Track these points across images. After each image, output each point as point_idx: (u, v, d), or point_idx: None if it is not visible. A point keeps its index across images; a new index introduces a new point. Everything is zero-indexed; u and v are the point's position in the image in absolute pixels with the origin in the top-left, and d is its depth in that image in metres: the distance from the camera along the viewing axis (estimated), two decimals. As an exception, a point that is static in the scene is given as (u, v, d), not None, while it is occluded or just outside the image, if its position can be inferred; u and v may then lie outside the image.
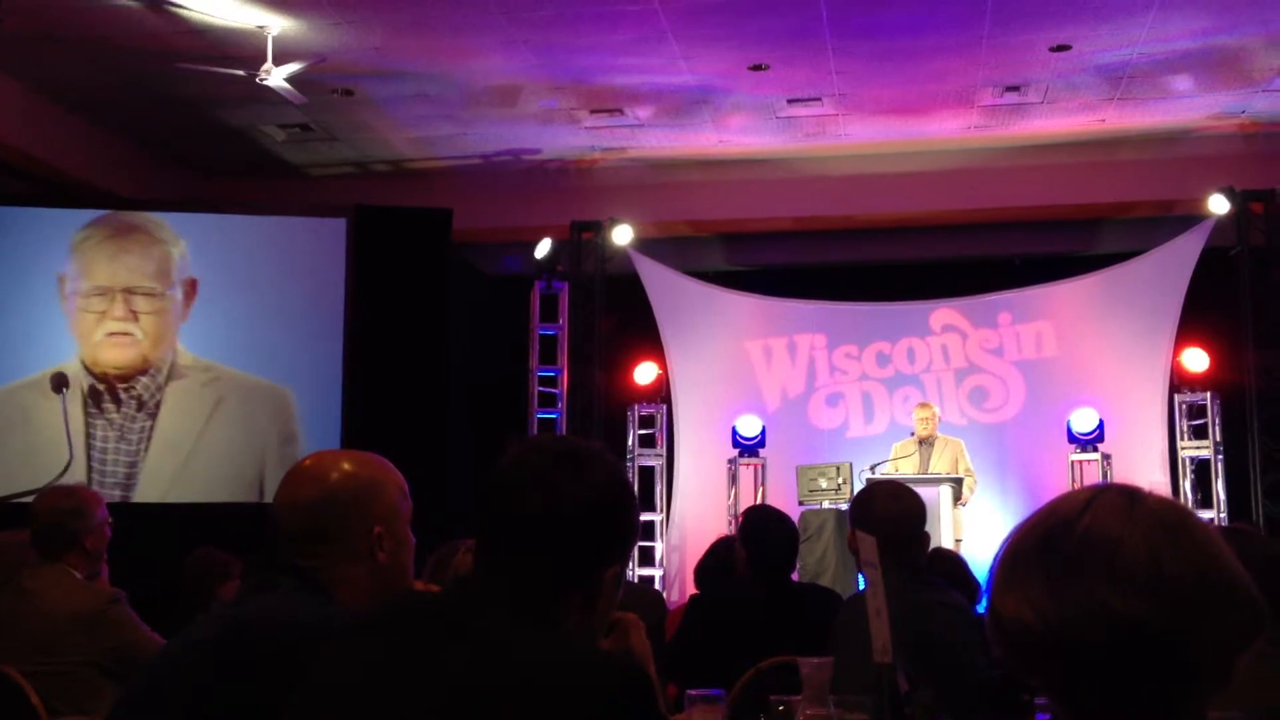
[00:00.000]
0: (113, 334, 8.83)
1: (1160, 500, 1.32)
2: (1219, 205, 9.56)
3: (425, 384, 9.33)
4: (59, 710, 3.51)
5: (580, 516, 1.69)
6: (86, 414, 8.74)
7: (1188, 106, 9.28)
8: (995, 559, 1.35)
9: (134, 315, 8.87)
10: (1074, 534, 1.28)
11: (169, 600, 4.91)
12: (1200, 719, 1.28)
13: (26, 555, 4.02)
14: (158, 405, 8.88)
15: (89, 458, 8.70)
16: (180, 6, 7.46)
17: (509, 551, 1.68)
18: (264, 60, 7.78)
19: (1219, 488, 9.67)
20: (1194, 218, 9.78)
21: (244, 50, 7.90)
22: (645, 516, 10.54)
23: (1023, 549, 1.32)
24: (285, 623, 2.04)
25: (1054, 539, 1.29)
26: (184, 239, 9.01)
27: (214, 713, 2.01)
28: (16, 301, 8.75)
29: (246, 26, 7.70)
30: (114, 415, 8.80)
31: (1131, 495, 1.31)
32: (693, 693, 2.54)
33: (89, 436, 8.73)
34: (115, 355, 8.84)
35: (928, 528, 3.65)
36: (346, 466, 2.25)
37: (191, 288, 8.99)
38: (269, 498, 2.30)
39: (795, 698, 2.54)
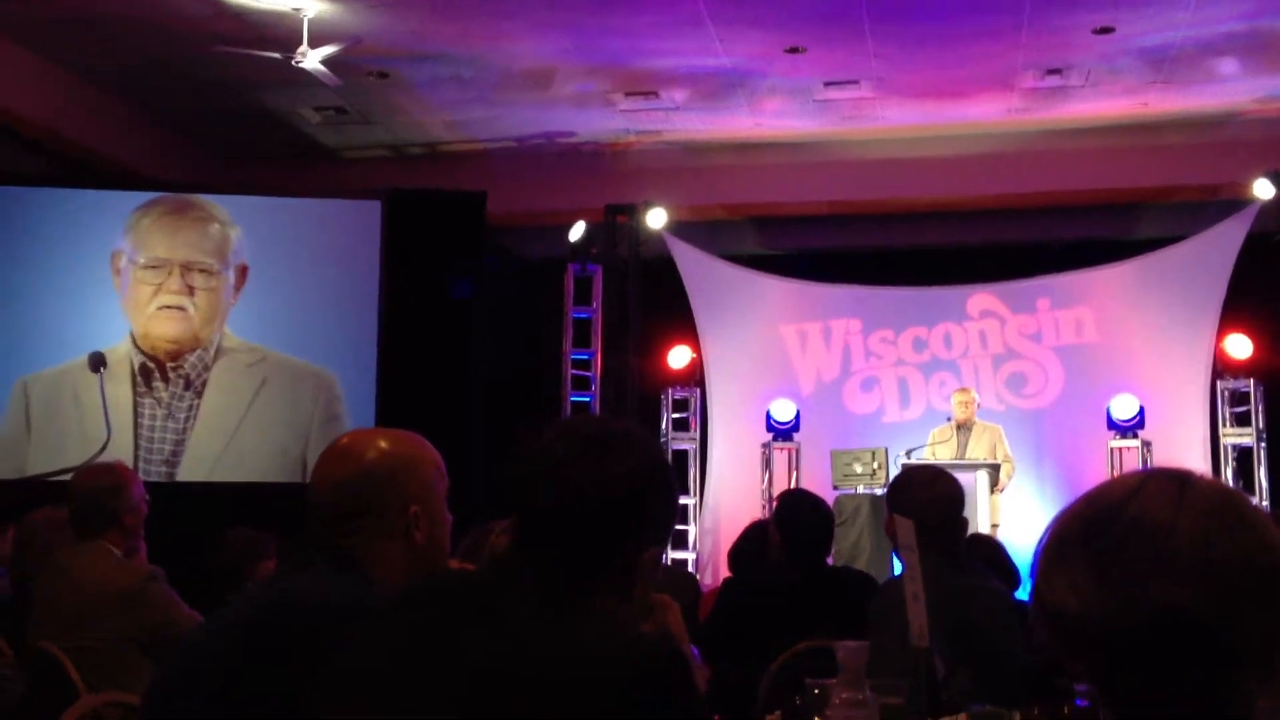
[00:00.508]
0: (166, 307, 8.91)
1: (1211, 485, 1.29)
2: (1264, 190, 9.44)
3: (459, 366, 9.34)
4: (96, 686, 3.53)
5: (611, 503, 1.66)
6: (135, 392, 8.81)
7: (1232, 90, 9.14)
8: (1040, 544, 1.32)
9: (189, 290, 8.94)
10: (1123, 520, 1.25)
11: (208, 579, 4.93)
12: (1249, 707, 1.25)
13: (64, 533, 4.05)
14: (204, 385, 8.95)
15: (136, 435, 8.78)
16: (217, -11, 7.48)
17: (541, 537, 1.66)
18: (299, 43, 7.79)
19: (1261, 475, 9.56)
20: (1238, 203, 9.65)
21: (280, 33, 7.91)
22: (679, 500, 10.50)
23: (1069, 534, 1.29)
24: (317, 603, 2.04)
25: (1102, 525, 1.26)
26: (238, 224, 9.07)
27: (247, 693, 2.01)
28: (66, 284, 8.81)
29: (283, 9, 7.71)
30: (162, 394, 8.87)
31: (1181, 480, 1.28)
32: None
33: (137, 414, 8.81)
34: (167, 328, 8.91)
35: (964, 514, 3.61)
36: (383, 444, 2.23)
37: (242, 273, 9.06)
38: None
39: (831, 681, 2.52)
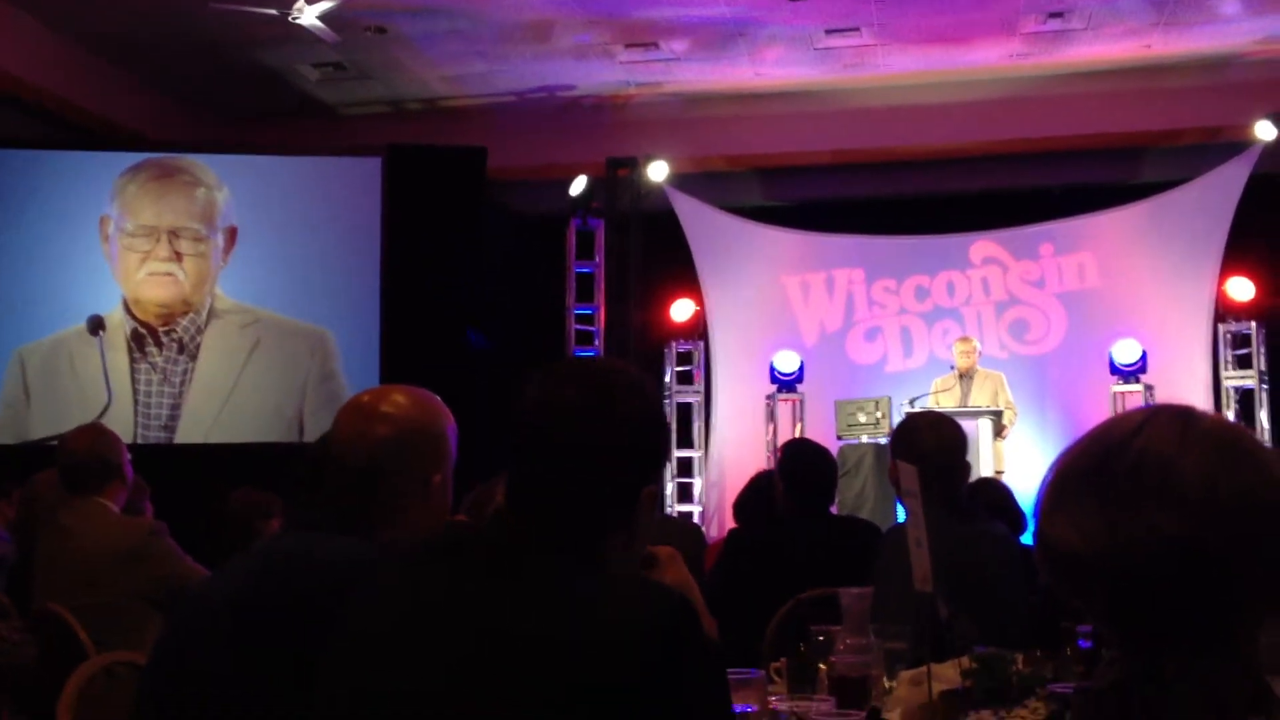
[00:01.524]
0: (155, 273, 8.89)
1: (1215, 421, 1.29)
2: (1266, 131, 9.39)
3: (461, 323, 9.34)
4: (108, 644, 3.55)
5: (616, 444, 1.67)
6: (131, 358, 8.83)
7: (1235, 31, 9.06)
8: (1043, 482, 1.32)
9: (177, 256, 8.93)
10: (1127, 456, 1.25)
11: (212, 539, 4.96)
12: (1251, 642, 1.26)
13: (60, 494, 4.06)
14: (198, 348, 8.95)
15: (135, 401, 8.81)
16: (210, -55, 7.42)
17: (549, 479, 1.67)
18: (296, -1, 7.74)
19: (1263, 417, 9.58)
20: (1240, 144, 9.60)
21: (276, -11, 7.86)
22: (684, 453, 10.56)
23: (1073, 472, 1.29)
24: (325, 561, 2.04)
25: (1106, 462, 1.26)
26: (226, 186, 9.03)
27: (256, 647, 2.02)
28: (59, 248, 8.80)
29: (277, -35, 7.66)
30: (156, 359, 8.88)
31: (1186, 416, 1.28)
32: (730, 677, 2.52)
33: (134, 380, 8.83)
34: (157, 293, 8.91)
35: (968, 459, 3.62)
36: (412, 409, 2.20)
37: (232, 236, 9.03)
38: (308, 437, 2.29)
39: (835, 628, 2.54)
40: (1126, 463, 1.25)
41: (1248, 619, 1.25)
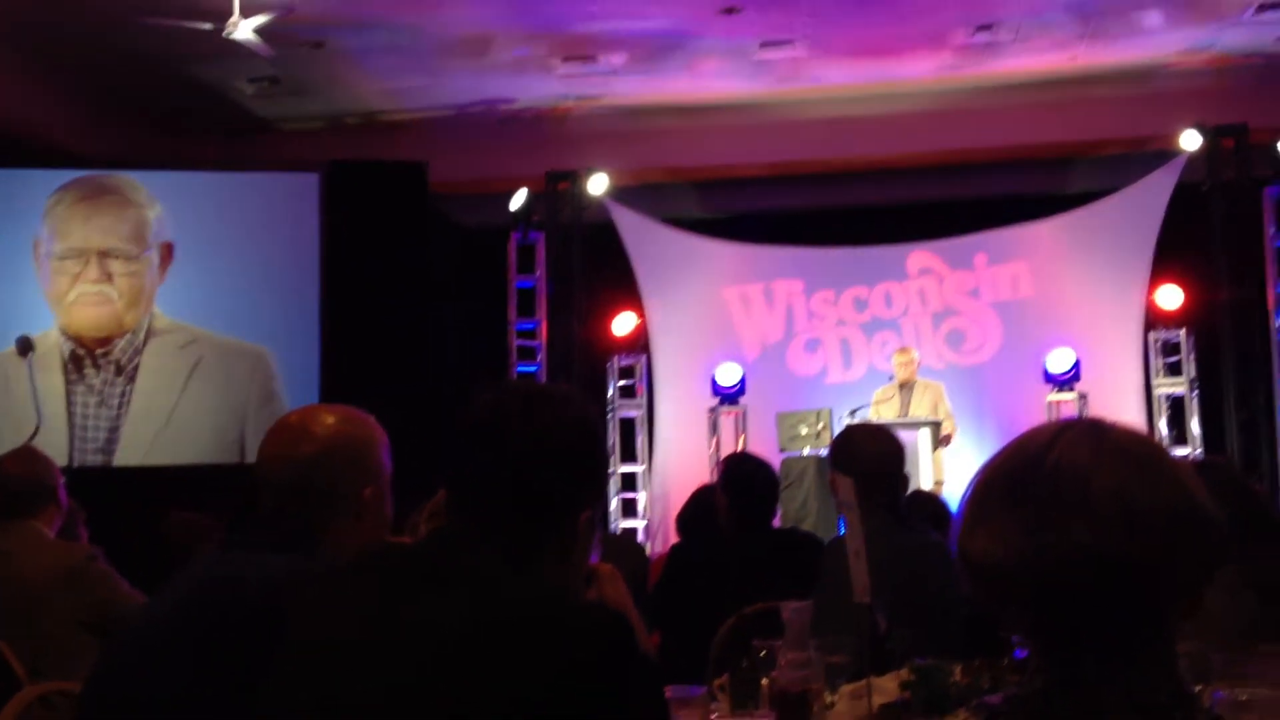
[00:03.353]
0: (86, 294, 8.77)
1: (1126, 433, 1.33)
2: (1191, 141, 9.57)
3: (403, 339, 9.30)
4: (43, 672, 3.51)
5: (551, 457, 1.69)
6: (67, 380, 8.71)
7: (1158, 42, 9.24)
8: (964, 497, 1.36)
9: (108, 277, 8.81)
10: (1042, 470, 1.29)
11: (149, 563, 4.91)
12: (1170, 647, 1.30)
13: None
14: (136, 369, 8.84)
15: (70, 424, 8.68)
16: (143, -39, 7.35)
17: (482, 497, 1.68)
18: (230, 13, 7.67)
19: (1194, 424, 9.74)
20: (1166, 154, 9.77)
21: (210, 3, 7.77)
22: (627, 468, 10.56)
23: (991, 486, 1.33)
24: (261, 581, 2.04)
25: (1022, 475, 1.30)
26: (159, 201, 8.93)
27: (193, 672, 2.02)
28: (-6, 269, 8.67)
29: (212, -20, 7.59)
30: (94, 380, 8.76)
31: (1098, 429, 1.32)
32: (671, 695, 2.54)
33: (69, 403, 8.70)
34: (88, 316, 8.78)
35: (908, 471, 3.68)
36: (337, 424, 2.22)
37: (167, 251, 8.93)
38: (250, 458, 2.29)
39: (778, 642, 2.56)
40: (1042, 476, 1.28)
41: (1165, 626, 1.29)
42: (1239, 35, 9.07)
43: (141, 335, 8.87)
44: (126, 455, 8.74)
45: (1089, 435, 1.31)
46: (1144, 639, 1.27)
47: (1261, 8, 8.53)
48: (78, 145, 9.63)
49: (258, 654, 1.70)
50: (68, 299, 8.76)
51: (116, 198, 8.90)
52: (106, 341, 8.81)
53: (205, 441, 8.87)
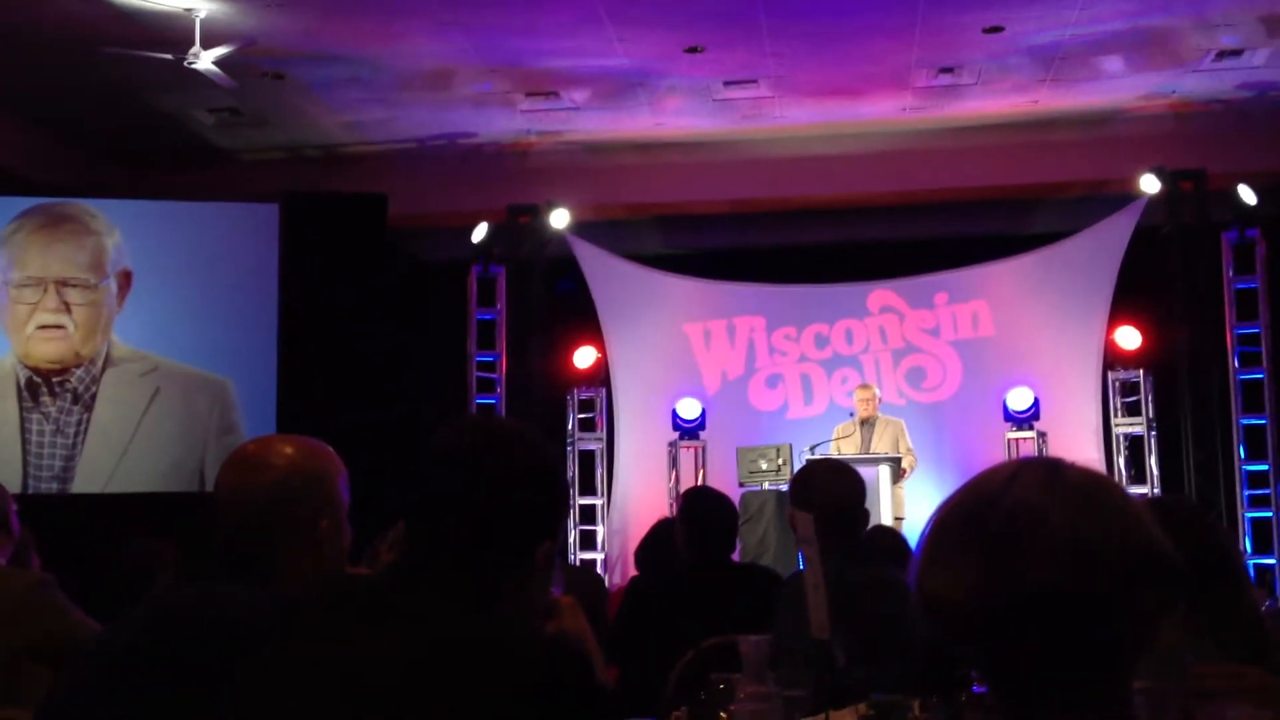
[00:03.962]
0: (44, 327, 8.71)
1: (1081, 472, 1.33)
2: (1150, 185, 9.69)
3: (361, 371, 9.24)
4: (-7, 703, 3.43)
5: (511, 491, 1.69)
6: (22, 407, 8.61)
7: (1119, 87, 9.38)
8: (921, 535, 1.35)
9: (66, 307, 8.74)
10: (998, 509, 1.29)
11: (107, 591, 4.83)
12: (1127, 685, 1.29)
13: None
14: (93, 397, 8.75)
15: (25, 451, 8.57)
16: (105, -11, 7.32)
17: (440, 531, 1.67)
18: (192, 44, 7.65)
19: (1152, 463, 9.82)
20: (1126, 197, 9.90)
21: (171, 34, 7.76)
22: (586, 500, 10.53)
23: (948, 525, 1.32)
24: (218, 613, 2.02)
25: (978, 514, 1.30)
26: (117, 228, 8.86)
27: (146, 704, 1.98)
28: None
29: (174, 9, 7.56)
30: (50, 408, 8.66)
31: (1054, 468, 1.32)
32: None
33: (24, 430, 8.60)
34: (46, 349, 8.71)
35: (869, 507, 3.67)
36: (295, 455, 2.21)
37: (126, 279, 8.86)
38: (210, 487, 2.27)
39: (736, 676, 2.54)
40: (998, 515, 1.28)
41: (1121, 664, 1.28)
42: (1198, 81, 9.21)
43: (100, 364, 8.79)
44: (84, 483, 8.65)
45: (1044, 474, 1.31)
46: (1100, 676, 1.27)
47: (1220, 55, 8.67)
48: (37, 173, 9.56)
49: (215, 686, 1.69)
50: (25, 330, 8.68)
51: (75, 225, 8.83)
52: (62, 371, 8.71)
53: (164, 470, 8.79)
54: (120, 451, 8.73)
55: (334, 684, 1.55)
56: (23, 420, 8.61)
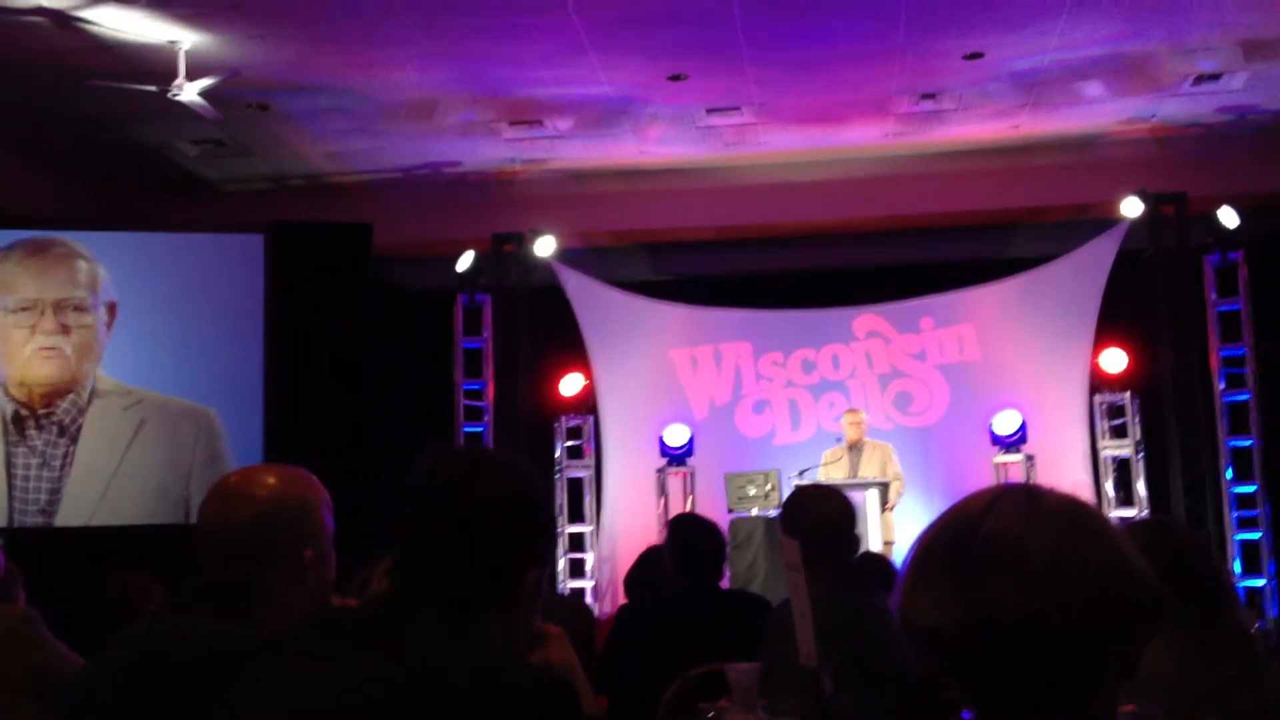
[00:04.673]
0: (43, 349, 8.70)
1: (1059, 498, 1.34)
2: (1132, 208, 9.74)
3: (348, 401, 9.23)
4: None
5: (496, 520, 1.69)
6: (7, 440, 8.59)
7: (1099, 112, 9.44)
8: (904, 562, 1.36)
9: (64, 329, 8.75)
10: (978, 536, 1.29)
11: (90, 624, 4.80)
12: (1110, 710, 1.29)
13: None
14: (78, 430, 8.73)
15: (10, 484, 8.55)
16: (90, 23, 7.32)
17: (426, 560, 1.67)
18: (176, 75, 7.66)
19: (1140, 486, 9.83)
20: (1108, 221, 9.95)
21: (156, 66, 7.76)
22: (575, 528, 10.50)
23: (929, 552, 1.33)
24: (203, 644, 2.01)
25: (958, 541, 1.30)
26: (102, 263, 8.87)
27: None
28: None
29: (158, 42, 7.57)
30: (35, 441, 8.64)
31: (1031, 494, 1.33)
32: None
33: (9, 463, 8.58)
34: (44, 371, 8.70)
35: (858, 532, 3.67)
36: (277, 485, 2.20)
37: (111, 311, 8.86)
38: (194, 519, 2.25)
39: (725, 703, 2.53)
40: (978, 541, 1.29)
41: (1102, 689, 1.28)
42: (1178, 105, 9.28)
43: (85, 395, 8.77)
44: (69, 516, 8.61)
45: (1022, 500, 1.32)
46: (1082, 701, 1.27)
47: (1199, 79, 8.74)
48: (20, 205, 9.53)
49: (198, 719, 1.67)
50: (23, 354, 8.68)
51: (64, 249, 8.86)
52: (51, 400, 8.69)
53: (149, 502, 8.76)
54: (105, 484, 8.71)
55: (319, 716, 1.54)
56: (8, 453, 8.59)
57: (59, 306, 8.75)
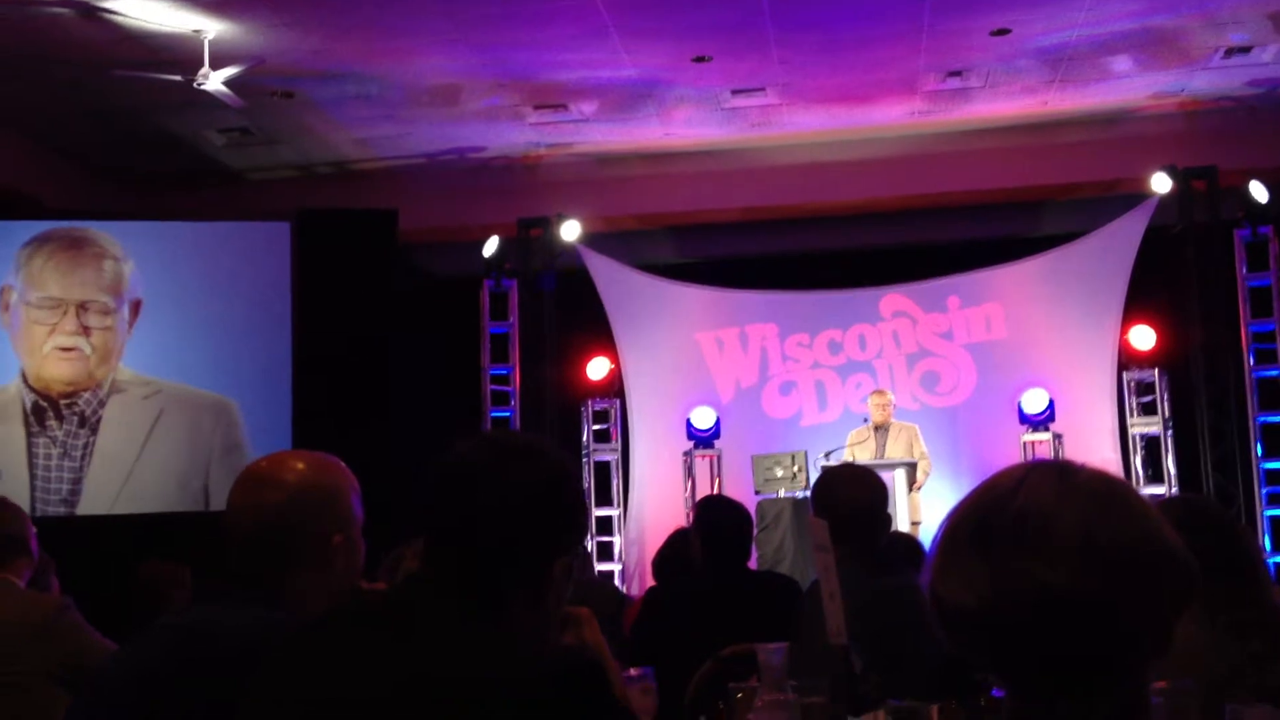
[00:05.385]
0: (62, 349, 8.74)
1: (1091, 473, 1.33)
2: (1161, 184, 9.66)
3: (375, 387, 9.26)
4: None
5: (526, 508, 1.69)
6: (29, 431, 8.65)
7: (1128, 87, 9.36)
8: (933, 540, 1.35)
9: (85, 330, 8.79)
10: (1009, 513, 1.28)
11: (119, 612, 4.84)
12: (1142, 688, 1.28)
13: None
14: (99, 421, 8.80)
15: (32, 475, 8.63)
16: (114, 14, 7.36)
17: (456, 546, 1.67)
18: (201, 65, 7.69)
19: (1169, 463, 9.77)
20: (1137, 196, 9.86)
21: (180, 55, 7.80)
22: (602, 511, 10.53)
23: (959, 529, 1.32)
24: (233, 633, 2.01)
25: (989, 518, 1.30)
26: (131, 259, 8.91)
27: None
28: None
29: (183, 31, 7.60)
30: (56, 432, 8.71)
31: (1062, 470, 1.32)
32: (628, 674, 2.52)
33: (31, 454, 8.65)
34: (62, 370, 8.75)
35: (888, 513, 3.66)
36: (306, 471, 2.19)
37: (136, 309, 8.92)
38: (214, 506, 2.26)
39: (755, 684, 2.53)
40: (1008, 518, 1.28)
41: (1135, 666, 1.28)
42: (1208, 79, 9.19)
43: (106, 388, 8.84)
44: (90, 505, 8.69)
45: (1053, 476, 1.31)
46: (1113, 678, 1.26)
47: (1229, 52, 8.65)
48: (47, 197, 9.60)
49: (228, 708, 1.69)
50: (42, 351, 8.73)
51: (96, 249, 8.89)
52: (72, 394, 8.76)
53: (169, 491, 8.82)
54: (125, 473, 8.78)
55: (348, 701, 1.55)
56: (30, 444, 8.66)
57: (82, 308, 8.80)
